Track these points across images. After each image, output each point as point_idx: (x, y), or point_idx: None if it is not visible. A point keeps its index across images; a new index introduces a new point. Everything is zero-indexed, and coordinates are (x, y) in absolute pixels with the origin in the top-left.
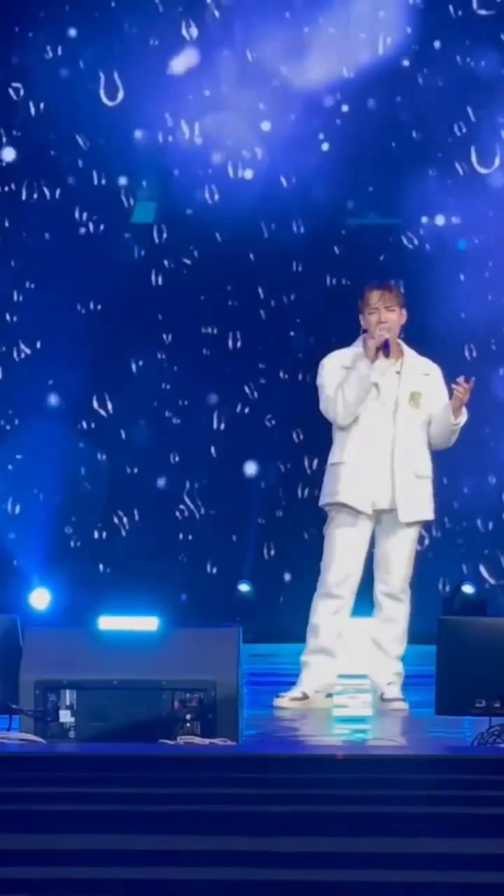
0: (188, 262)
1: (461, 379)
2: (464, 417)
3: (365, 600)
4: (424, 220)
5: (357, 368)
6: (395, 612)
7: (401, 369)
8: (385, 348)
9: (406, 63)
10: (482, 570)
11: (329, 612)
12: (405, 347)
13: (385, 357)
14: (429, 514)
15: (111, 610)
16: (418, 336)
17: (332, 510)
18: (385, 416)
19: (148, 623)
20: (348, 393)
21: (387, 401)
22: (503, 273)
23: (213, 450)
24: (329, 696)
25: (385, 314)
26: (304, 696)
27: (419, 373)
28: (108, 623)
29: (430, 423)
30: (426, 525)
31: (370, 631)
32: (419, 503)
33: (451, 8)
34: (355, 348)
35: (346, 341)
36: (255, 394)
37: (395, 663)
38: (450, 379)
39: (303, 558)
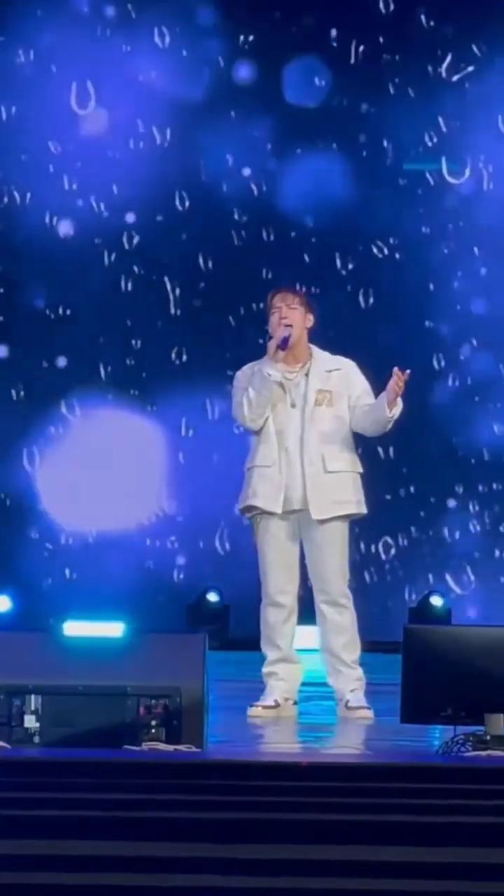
0: (158, 267)
1: (397, 370)
2: (398, 409)
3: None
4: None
5: (261, 370)
6: (340, 618)
7: (309, 371)
8: (284, 344)
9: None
10: (448, 579)
11: (279, 620)
12: (315, 350)
13: (282, 350)
14: (348, 508)
15: (77, 615)
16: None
17: (253, 519)
18: (295, 418)
19: (113, 629)
20: (252, 395)
21: (296, 402)
22: (472, 282)
23: (181, 456)
24: (295, 703)
25: (286, 311)
26: (276, 704)
27: (326, 370)
28: (74, 628)
29: (356, 415)
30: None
31: (320, 641)
32: (331, 499)
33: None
34: (264, 358)
35: (315, 343)
36: (224, 400)
37: (355, 669)
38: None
39: None
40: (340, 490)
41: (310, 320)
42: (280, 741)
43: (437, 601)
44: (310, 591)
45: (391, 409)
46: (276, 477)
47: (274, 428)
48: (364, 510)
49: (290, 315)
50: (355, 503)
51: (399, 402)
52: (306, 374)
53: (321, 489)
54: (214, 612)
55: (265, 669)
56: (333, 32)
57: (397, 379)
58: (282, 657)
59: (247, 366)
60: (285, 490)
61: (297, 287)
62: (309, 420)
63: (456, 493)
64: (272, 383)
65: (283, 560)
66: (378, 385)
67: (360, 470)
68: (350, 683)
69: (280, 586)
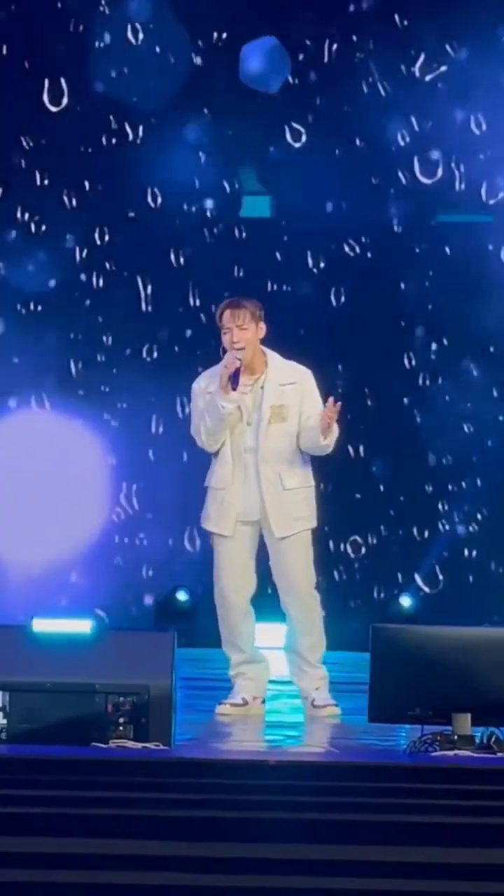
0: (132, 264)
1: (330, 401)
2: (333, 436)
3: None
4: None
5: (213, 399)
6: (306, 619)
7: (264, 384)
8: (234, 381)
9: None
10: (417, 578)
11: (237, 621)
12: (270, 358)
13: (233, 390)
14: (307, 524)
15: (45, 612)
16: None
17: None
18: (249, 435)
19: (82, 626)
20: (208, 423)
21: (251, 419)
22: (444, 281)
23: (150, 453)
24: (263, 701)
25: (238, 334)
26: (244, 702)
27: (281, 384)
28: (42, 625)
29: (302, 435)
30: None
31: (285, 641)
32: (291, 516)
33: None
34: (221, 365)
35: (285, 347)
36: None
37: (318, 668)
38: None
39: None
40: (298, 507)
41: (262, 330)
42: (248, 739)
43: (405, 601)
44: (274, 591)
45: (325, 436)
46: (228, 499)
47: (229, 446)
48: (316, 523)
49: (242, 337)
50: (311, 518)
51: (335, 428)
52: (262, 387)
53: (280, 507)
54: (183, 610)
55: (231, 672)
56: (307, 30)
57: (328, 410)
58: (245, 659)
59: (202, 377)
60: (243, 506)
61: (244, 300)
62: (263, 437)
63: (426, 493)
64: (226, 415)
65: (239, 562)
66: (349, 385)
67: (313, 483)
68: (314, 682)
69: (235, 587)
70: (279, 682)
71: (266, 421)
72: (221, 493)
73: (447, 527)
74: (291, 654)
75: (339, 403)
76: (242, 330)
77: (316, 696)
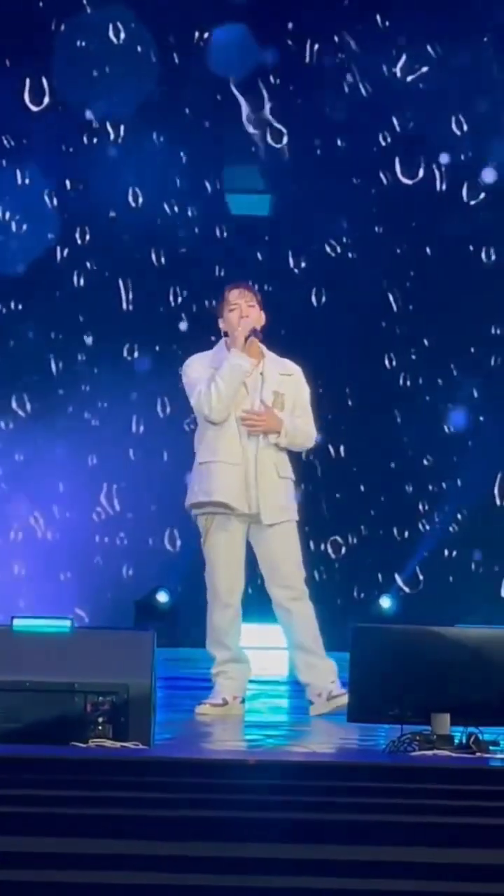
0: (113, 264)
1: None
2: (283, 440)
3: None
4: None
5: (227, 360)
6: (306, 611)
7: (263, 370)
8: (254, 335)
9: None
10: (397, 578)
11: (227, 620)
12: (265, 350)
13: (252, 338)
14: (293, 514)
15: (25, 611)
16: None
17: (204, 516)
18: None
19: (61, 625)
20: (221, 385)
21: (252, 402)
22: (425, 282)
23: (131, 452)
24: (242, 701)
25: (246, 309)
26: (224, 703)
27: (280, 373)
28: (22, 624)
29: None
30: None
31: (287, 637)
32: (282, 505)
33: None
34: (217, 352)
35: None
36: (175, 397)
37: (328, 660)
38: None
39: None
40: (287, 496)
41: (262, 318)
42: (228, 739)
43: (385, 602)
44: (256, 591)
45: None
46: (242, 475)
47: (231, 425)
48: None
49: (250, 313)
50: (294, 509)
51: (283, 432)
52: (261, 373)
53: (273, 494)
54: (163, 610)
55: (214, 670)
56: (289, 29)
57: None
58: (230, 658)
59: (196, 357)
60: (244, 491)
61: (250, 284)
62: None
63: (406, 493)
64: (243, 373)
65: (234, 560)
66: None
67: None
68: (328, 675)
69: (230, 586)
70: (259, 682)
71: (269, 405)
72: (235, 469)
73: (427, 527)
74: (298, 651)
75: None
76: (250, 307)
77: (333, 688)
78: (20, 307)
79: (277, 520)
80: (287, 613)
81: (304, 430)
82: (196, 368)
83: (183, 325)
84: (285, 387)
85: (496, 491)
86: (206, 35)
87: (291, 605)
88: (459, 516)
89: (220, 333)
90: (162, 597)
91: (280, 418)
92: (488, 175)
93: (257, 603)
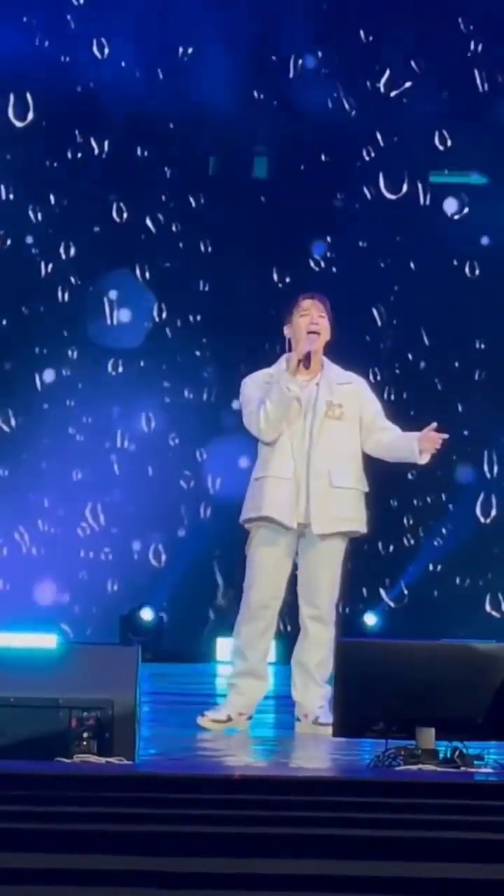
0: (97, 278)
1: (434, 426)
2: (427, 460)
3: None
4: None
5: (278, 383)
6: (321, 635)
7: (319, 381)
8: (307, 360)
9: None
10: (382, 593)
11: (255, 634)
12: (327, 362)
13: (305, 369)
14: (351, 525)
15: (9, 626)
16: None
17: (253, 527)
18: (305, 429)
19: (46, 640)
20: (270, 408)
21: (307, 413)
22: (409, 296)
23: (116, 467)
24: (249, 717)
25: (316, 317)
26: (228, 719)
27: (338, 383)
28: (6, 639)
29: (377, 436)
30: (356, 540)
31: (295, 654)
32: (335, 515)
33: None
34: (277, 367)
35: (251, 359)
36: (160, 412)
37: (323, 687)
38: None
39: (211, 578)
40: (343, 506)
41: (329, 331)
42: (213, 754)
43: (370, 618)
44: (288, 607)
45: (424, 458)
46: (293, 489)
47: (283, 438)
48: (365, 529)
49: (320, 322)
50: (358, 521)
51: (426, 458)
52: (317, 384)
53: (325, 504)
54: (148, 625)
55: (230, 680)
56: (273, 46)
57: (438, 438)
58: (248, 670)
59: (259, 373)
60: (295, 503)
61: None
62: (318, 432)
63: (391, 507)
64: (291, 399)
65: (275, 575)
66: None
67: (366, 489)
68: (318, 700)
69: (264, 601)
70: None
71: (321, 417)
72: (286, 484)
73: (412, 541)
74: (298, 668)
75: (445, 436)
76: (321, 317)
77: (320, 714)
78: (3, 322)
79: (328, 530)
80: (304, 630)
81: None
82: (251, 387)
83: (167, 340)
84: (342, 397)
85: (479, 506)
86: (189, 50)
87: (309, 623)
88: (444, 531)
89: (211, 350)
90: (146, 612)
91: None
92: (472, 191)
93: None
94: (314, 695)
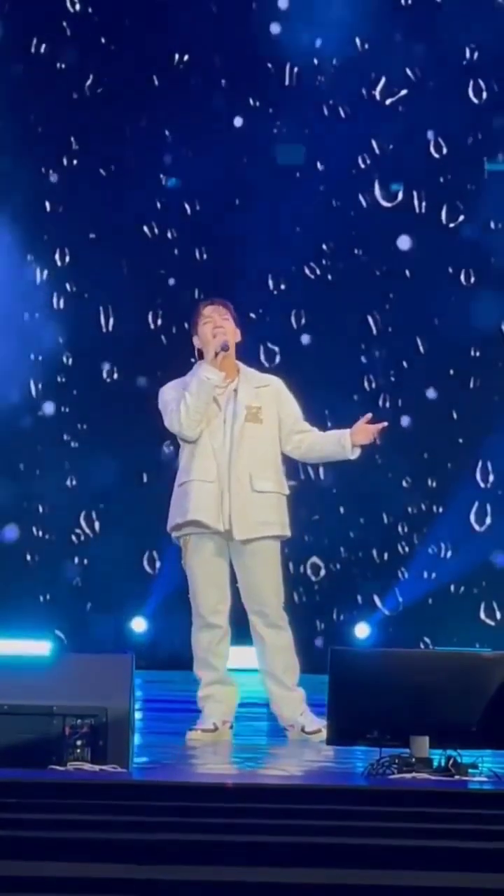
0: (93, 285)
1: (369, 417)
2: (357, 455)
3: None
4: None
5: (196, 373)
6: (279, 640)
7: (237, 386)
8: (225, 347)
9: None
10: (376, 600)
11: (213, 642)
12: (242, 366)
13: (223, 351)
14: (273, 530)
15: (2, 633)
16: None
17: (183, 538)
18: (226, 433)
19: (40, 648)
20: (190, 400)
21: (226, 418)
22: (405, 304)
23: (110, 474)
24: (231, 726)
25: (220, 321)
26: (215, 728)
27: (255, 386)
28: (0, 646)
29: (298, 438)
30: (352, 548)
31: (259, 665)
32: (256, 520)
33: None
34: (191, 374)
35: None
36: (154, 420)
37: (296, 692)
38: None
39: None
40: (265, 511)
41: (238, 335)
42: (206, 762)
43: (363, 631)
44: (242, 612)
45: (355, 453)
46: (217, 492)
47: (205, 444)
48: (288, 533)
49: (224, 325)
50: (279, 525)
51: (356, 453)
52: (235, 390)
53: (246, 509)
54: (142, 632)
55: (201, 693)
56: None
57: (373, 429)
58: (217, 679)
59: (171, 383)
60: (219, 508)
61: (225, 301)
62: (238, 436)
63: (385, 515)
64: (211, 386)
65: (214, 580)
66: (309, 406)
67: (287, 492)
68: (297, 706)
69: (213, 606)
70: (238, 705)
71: (241, 421)
72: (210, 486)
73: (407, 549)
74: (268, 679)
75: (383, 425)
76: (224, 320)
77: (305, 722)
78: None
79: (250, 535)
80: (259, 640)
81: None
82: (169, 392)
83: (162, 347)
84: (261, 399)
85: (473, 514)
86: (185, 57)
87: (264, 631)
88: (439, 538)
89: (196, 354)
90: (141, 619)
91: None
92: (467, 197)
93: (233, 624)
94: (291, 703)
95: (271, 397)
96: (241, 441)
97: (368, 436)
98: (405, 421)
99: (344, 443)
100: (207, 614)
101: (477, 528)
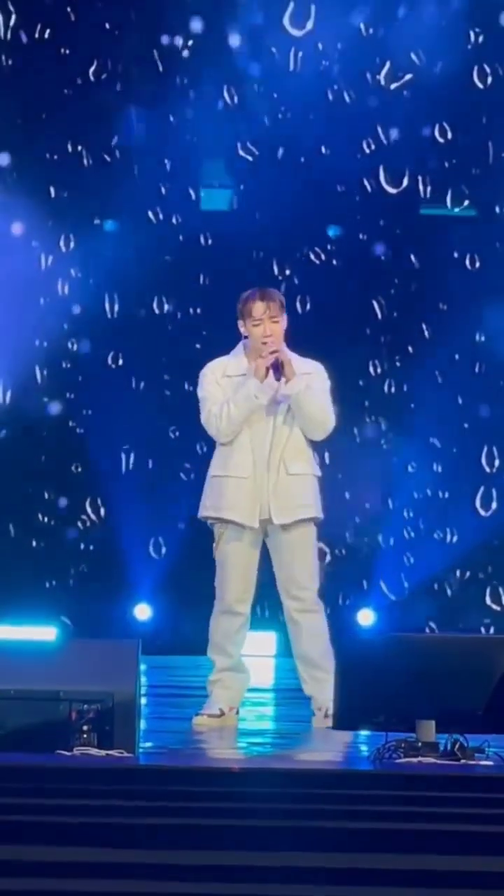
0: (97, 271)
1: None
2: (289, 388)
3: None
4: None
5: (246, 387)
6: (315, 625)
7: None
8: (276, 371)
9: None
10: (383, 585)
11: (231, 629)
12: (288, 352)
13: (276, 380)
14: (309, 512)
15: (8, 619)
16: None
17: (218, 526)
18: (266, 422)
19: (47, 633)
20: (234, 412)
21: (269, 412)
22: (409, 290)
23: (116, 460)
24: (237, 712)
25: (269, 326)
26: (221, 713)
27: (300, 374)
28: (6, 632)
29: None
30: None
31: (293, 648)
32: (294, 503)
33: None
34: (236, 356)
35: None
36: (160, 405)
37: (332, 677)
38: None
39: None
40: (300, 493)
41: (285, 322)
42: (212, 747)
43: (368, 615)
44: (256, 598)
45: (284, 386)
46: (252, 488)
47: (244, 434)
48: (321, 514)
49: (274, 330)
50: (314, 507)
51: (295, 382)
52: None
53: (282, 493)
54: (148, 618)
55: (212, 677)
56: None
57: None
58: (230, 665)
59: (215, 365)
60: (257, 500)
61: (273, 291)
62: (277, 423)
63: (390, 500)
64: (259, 406)
65: (243, 570)
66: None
67: (319, 473)
68: (330, 691)
69: (238, 595)
70: (250, 691)
71: (283, 414)
72: (245, 483)
73: (412, 534)
74: (302, 664)
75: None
76: (274, 322)
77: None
78: (3, 315)
79: (289, 519)
80: (295, 625)
81: (318, 403)
82: (210, 381)
83: (167, 333)
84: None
85: (479, 499)
86: (190, 42)
87: (300, 616)
88: (444, 524)
89: (212, 342)
90: (147, 605)
91: (295, 370)
92: (471, 183)
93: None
94: (326, 686)
95: (309, 381)
96: (280, 427)
97: (263, 359)
98: (411, 406)
99: (281, 388)
100: (232, 602)
101: (482, 513)
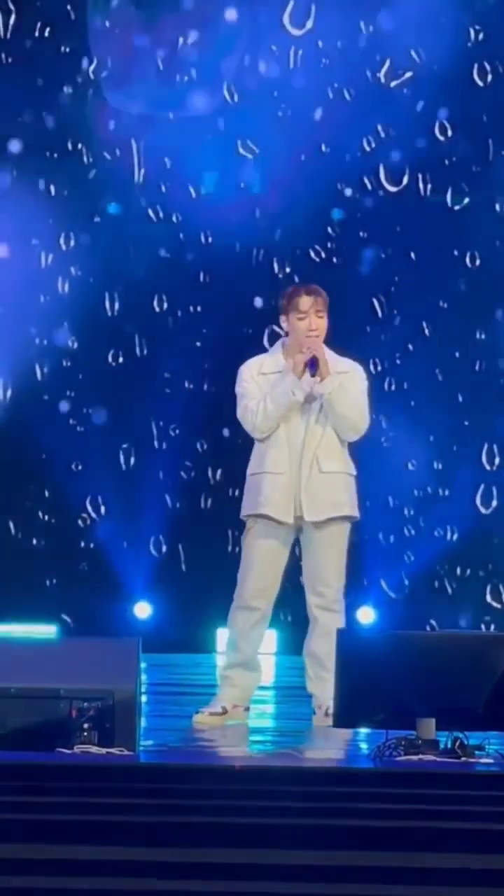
0: (98, 269)
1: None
2: (324, 387)
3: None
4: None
5: (284, 383)
6: (330, 624)
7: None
8: (312, 367)
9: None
10: (383, 584)
11: (248, 624)
12: (327, 351)
13: (311, 376)
14: (343, 510)
15: (9, 617)
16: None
17: (251, 520)
18: (302, 423)
19: (47, 631)
20: (271, 408)
21: (306, 410)
22: (409, 288)
23: (117, 458)
24: (246, 709)
25: (315, 321)
26: (224, 711)
27: (336, 373)
28: (7, 630)
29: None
30: (356, 531)
31: (306, 645)
32: (327, 500)
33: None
34: (272, 354)
35: (251, 351)
36: (162, 403)
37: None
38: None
39: (212, 568)
40: (334, 491)
41: (327, 322)
42: (213, 745)
43: (369, 613)
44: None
45: (318, 384)
46: (287, 484)
47: (280, 432)
48: (357, 513)
49: (319, 325)
50: (349, 505)
51: (329, 381)
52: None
53: (316, 491)
54: (149, 616)
55: (222, 672)
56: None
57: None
58: (242, 661)
59: (253, 363)
60: (293, 497)
61: (319, 288)
62: (314, 424)
63: (391, 498)
64: (297, 403)
65: (268, 566)
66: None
67: (354, 472)
68: (331, 691)
69: (255, 590)
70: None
71: (317, 412)
72: (281, 479)
73: (412, 532)
74: (309, 659)
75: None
76: (319, 318)
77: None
78: (4, 312)
79: (321, 517)
80: (313, 620)
81: (350, 403)
82: (248, 378)
83: (168, 330)
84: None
85: (479, 497)
86: (190, 41)
87: (318, 613)
88: (445, 521)
89: (212, 340)
90: (147, 603)
91: (331, 369)
92: (471, 179)
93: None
94: (328, 685)
95: (345, 381)
96: (314, 425)
97: (302, 356)
98: (411, 404)
99: (315, 390)
100: (249, 597)
101: (483, 510)
